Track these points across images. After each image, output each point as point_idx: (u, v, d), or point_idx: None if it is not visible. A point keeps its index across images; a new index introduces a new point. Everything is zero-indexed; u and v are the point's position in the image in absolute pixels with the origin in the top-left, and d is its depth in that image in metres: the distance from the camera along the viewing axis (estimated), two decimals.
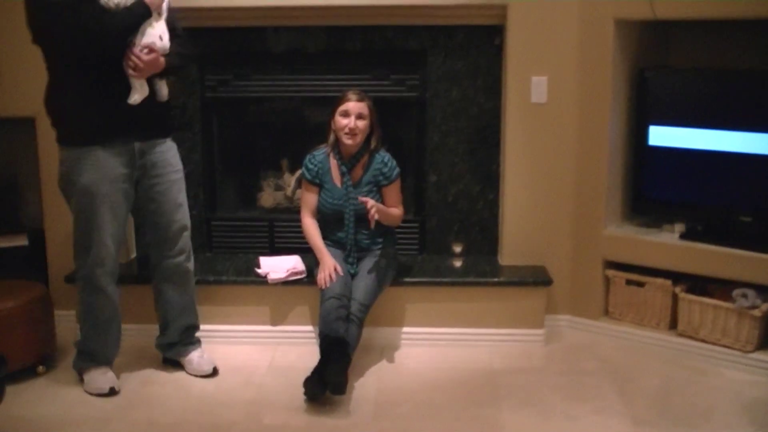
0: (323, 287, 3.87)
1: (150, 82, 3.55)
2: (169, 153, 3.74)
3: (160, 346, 3.99)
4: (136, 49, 3.43)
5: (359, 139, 3.96)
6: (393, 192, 4.07)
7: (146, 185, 3.68)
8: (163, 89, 3.65)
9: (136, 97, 3.49)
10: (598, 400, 3.62)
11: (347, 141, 3.94)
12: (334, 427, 3.42)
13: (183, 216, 3.81)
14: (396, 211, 4.08)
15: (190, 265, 3.89)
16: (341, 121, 3.94)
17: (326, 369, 3.55)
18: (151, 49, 3.46)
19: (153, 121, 3.65)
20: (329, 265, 3.93)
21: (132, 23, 3.42)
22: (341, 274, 3.91)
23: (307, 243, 4.13)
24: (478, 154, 4.47)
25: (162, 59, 3.51)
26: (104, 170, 3.52)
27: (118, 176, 3.56)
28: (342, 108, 3.94)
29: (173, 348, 3.95)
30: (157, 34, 3.48)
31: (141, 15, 3.43)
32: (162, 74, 3.60)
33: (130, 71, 3.45)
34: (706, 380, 3.81)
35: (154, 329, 4.00)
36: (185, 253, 3.85)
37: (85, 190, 3.53)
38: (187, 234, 3.84)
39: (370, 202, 3.87)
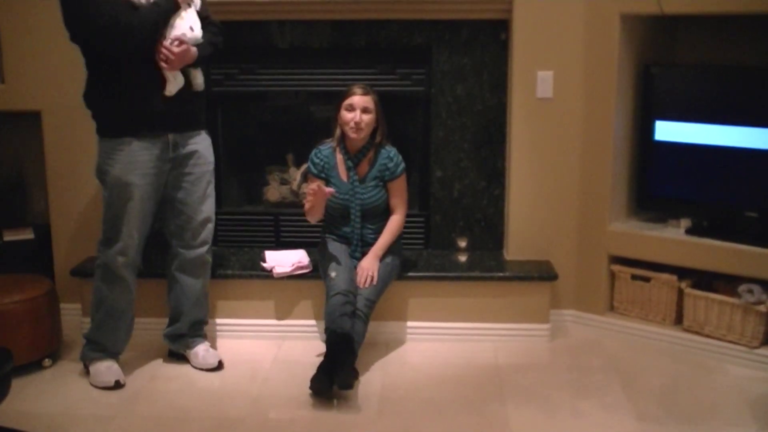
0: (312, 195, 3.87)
1: (184, 72, 3.59)
2: (202, 145, 3.78)
3: (168, 337, 3.99)
4: (167, 42, 3.47)
5: (364, 133, 3.95)
6: (398, 187, 4.06)
7: (177, 174, 3.71)
8: (198, 78, 3.68)
9: (171, 88, 3.54)
10: (604, 396, 3.62)
11: (352, 135, 3.94)
12: (340, 422, 3.42)
13: (209, 208, 3.84)
14: (394, 229, 4.06)
15: (210, 257, 3.92)
16: (346, 116, 3.93)
17: (335, 372, 3.54)
18: (181, 41, 3.49)
19: (188, 112, 3.69)
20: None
21: (159, 20, 3.46)
22: (331, 189, 3.90)
23: (312, 238, 4.13)
24: (483, 149, 4.46)
25: (194, 50, 3.55)
26: (136, 162, 3.56)
27: (149, 169, 3.60)
28: (347, 102, 3.93)
29: (180, 340, 3.96)
30: (186, 25, 3.52)
31: (167, 11, 3.48)
32: (196, 64, 3.63)
33: (162, 64, 3.49)
34: (711, 376, 3.80)
35: (161, 323, 4.01)
36: (207, 244, 3.87)
37: (117, 180, 3.57)
38: (211, 226, 3.87)
39: (367, 281, 3.90)
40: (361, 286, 3.89)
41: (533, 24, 4.14)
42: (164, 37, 3.48)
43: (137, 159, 3.57)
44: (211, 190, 3.85)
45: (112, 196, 3.62)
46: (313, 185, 3.87)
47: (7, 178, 4.70)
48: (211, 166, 3.83)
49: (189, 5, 3.55)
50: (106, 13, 3.37)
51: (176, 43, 3.49)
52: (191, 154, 3.72)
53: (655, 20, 4.10)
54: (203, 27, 3.62)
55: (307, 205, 3.93)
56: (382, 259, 4.01)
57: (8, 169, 4.71)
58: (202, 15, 3.63)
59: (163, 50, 3.47)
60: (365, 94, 3.94)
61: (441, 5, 4.24)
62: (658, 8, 3.88)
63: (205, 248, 3.86)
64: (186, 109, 3.66)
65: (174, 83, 3.53)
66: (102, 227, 3.71)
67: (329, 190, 3.90)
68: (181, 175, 3.72)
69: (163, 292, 3.98)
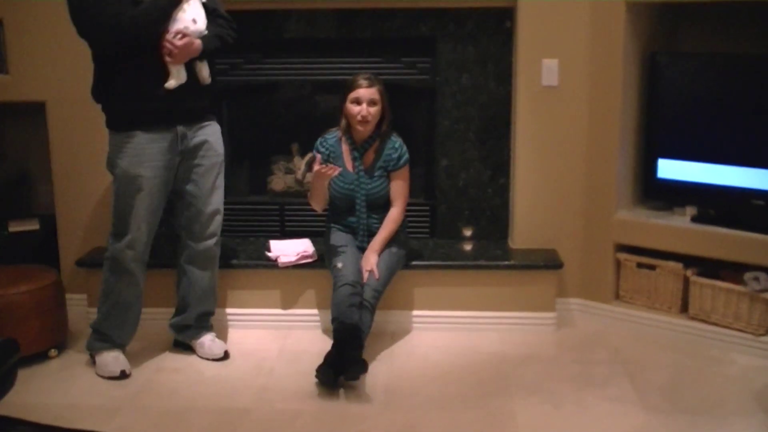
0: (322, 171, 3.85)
1: (190, 65, 3.57)
2: (212, 137, 3.78)
3: (174, 327, 4.00)
4: (169, 36, 3.46)
5: (371, 125, 3.94)
6: (399, 179, 4.02)
7: (186, 167, 3.72)
8: (204, 71, 3.65)
9: (172, 82, 3.51)
10: (610, 387, 3.61)
11: (360, 128, 3.92)
12: (346, 414, 3.42)
13: (218, 200, 3.84)
14: (391, 223, 4.01)
15: (218, 249, 3.92)
16: (353, 109, 3.90)
17: (343, 363, 3.54)
18: (183, 34, 3.47)
19: (196, 104, 3.68)
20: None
21: (159, 16, 3.45)
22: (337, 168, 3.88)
23: (317, 227, 4.14)
24: (488, 139, 4.45)
25: (198, 42, 3.53)
26: (144, 155, 3.57)
27: (158, 162, 3.60)
28: (353, 95, 3.90)
29: (186, 331, 3.97)
30: (189, 18, 3.50)
31: (168, 4, 3.46)
32: (201, 57, 3.61)
33: (166, 57, 3.48)
34: (717, 366, 3.80)
35: (168, 314, 4.01)
36: (216, 236, 3.87)
37: (125, 174, 3.58)
38: (219, 218, 3.86)
39: (367, 275, 3.89)
40: (363, 281, 3.88)
41: (538, 12, 4.13)
42: (167, 31, 3.46)
43: (145, 152, 3.57)
44: (221, 182, 3.84)
45: (120, 188, 3.63)
46: (320, 167, 3.84)
47: (13, 169, 4.71)
48: (221, 158, 3.82)
49: None
50: (110, 8, 3.37)
51: (179, 36, 3.46)
52: (200, 145, 3.72)
53: (659, 8, 4.08)
54: (211, 20, 3.61)
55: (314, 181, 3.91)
56: (387, 248, 4.00)
57: (13, 161, 4.72)
58: (210, 8, 3.61)
59: (166, 44, 3.45)
60: (371, 85, 3.91)
61: None
62: None
63: (213, 240, 3.86)
64: (194, 102, 3.65)
65: (176, 77, 3.50)
66: (112, 220, 3.71)
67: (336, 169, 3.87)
68: (191, 166, 3.72)
69: (171, 283, 3.99)
